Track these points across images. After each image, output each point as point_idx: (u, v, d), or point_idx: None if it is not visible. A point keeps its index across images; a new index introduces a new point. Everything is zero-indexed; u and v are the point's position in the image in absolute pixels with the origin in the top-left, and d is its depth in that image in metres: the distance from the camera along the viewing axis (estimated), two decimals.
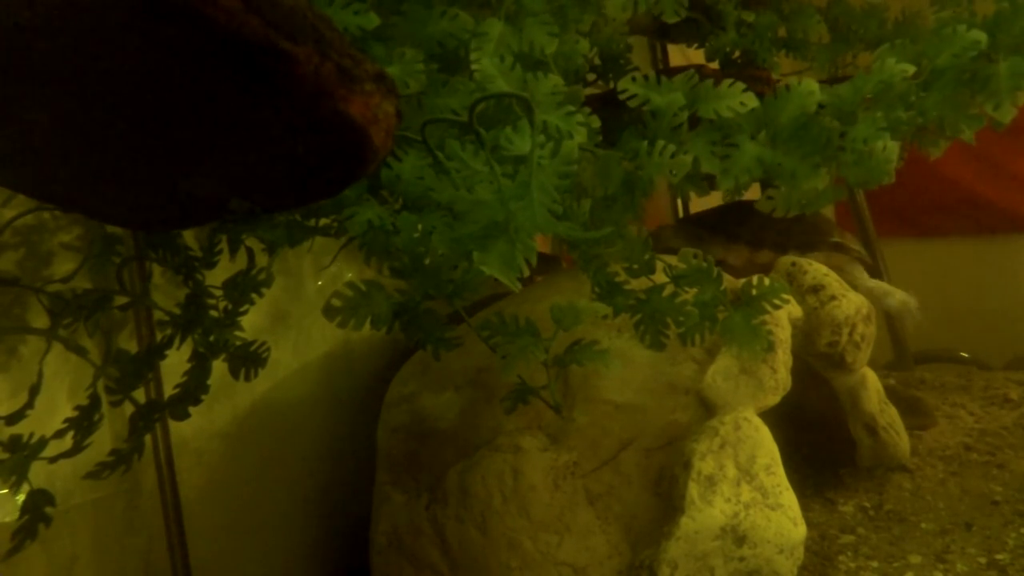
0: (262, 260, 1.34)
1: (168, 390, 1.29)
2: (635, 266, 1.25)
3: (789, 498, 1.40)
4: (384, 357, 1.90)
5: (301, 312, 1.72)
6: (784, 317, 1.60)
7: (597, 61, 1.53)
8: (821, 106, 1.12)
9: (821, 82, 1.12)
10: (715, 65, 1.73)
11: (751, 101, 1.07)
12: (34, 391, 1.12)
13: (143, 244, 1.28)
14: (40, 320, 1.19)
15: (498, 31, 0.97)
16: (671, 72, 1.16)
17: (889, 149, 1.11)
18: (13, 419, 1.11)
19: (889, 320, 2.63)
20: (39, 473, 1.10)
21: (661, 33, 1.89)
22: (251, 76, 0.63)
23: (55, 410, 1.20)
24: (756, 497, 1.37)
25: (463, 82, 0.94)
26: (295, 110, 0.65)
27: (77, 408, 1.15)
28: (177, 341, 1.27)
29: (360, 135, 0.67)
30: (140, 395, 1.26)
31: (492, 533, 1.38)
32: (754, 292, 1.24)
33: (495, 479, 1.40)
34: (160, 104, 0.69)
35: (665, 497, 1.39)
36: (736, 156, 1.09)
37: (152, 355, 1.28)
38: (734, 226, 2.05)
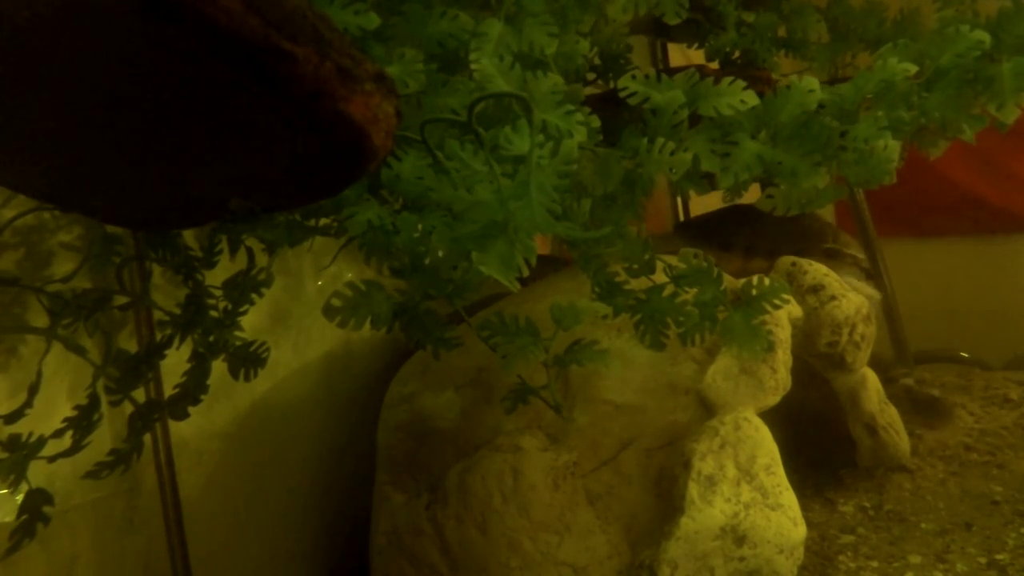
0: (262, 260, 1.34)
1: (168, 390, 1.29)
2: (635, 266, 1.25)
3: (789, 498, 1.40)
4: (384, 357, 1.90)
5: (301, 312, 1.72)
6: (784, 317, 1.60)
7: (597, 61, 1.52)
8: (822, 105, 1.12)
9: (821, 82, 1.12)
10: (715, 65, 1.73)
11: (751, 99, 1.07)
12: (33, 390, 1.12)
13: (143, 244, 1.28)
14: (40, 320, 1.19)
15: (497, 31, 0.97)
16: (671, 72, 1.16)
17: (890, 148, 1.11)
18: (12, 418, 1.10)
19: (889, 320, 2.63)
20: (39, 473, 1.10)
21: (661, 32, 1.89)
22: (251, 76, 0.62)
23: (54, 409, 1.19)
24: (756, 497, 1.37)
25: (463, 82, 0.94)
26: (295, 110, 0.65)
27: (76, 408, 1.15)
28: (177, 341, 1.27)
29: (360, 135, 0.67)
30: (140, 395, 1.26)
31: (492, 533, 1.38)
32: (754, 292, 1.24)
33: (495, 479, 1.40)
34: (160, 104, 0.69)
35: (665, 497, 1.39)
36: (736, 154, 1.09)
37: (152, 355, 1.28)
38: (728, 234, 2.05)
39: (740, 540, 1.34)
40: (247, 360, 1.28)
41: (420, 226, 0.91)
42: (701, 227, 2.24)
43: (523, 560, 1.36)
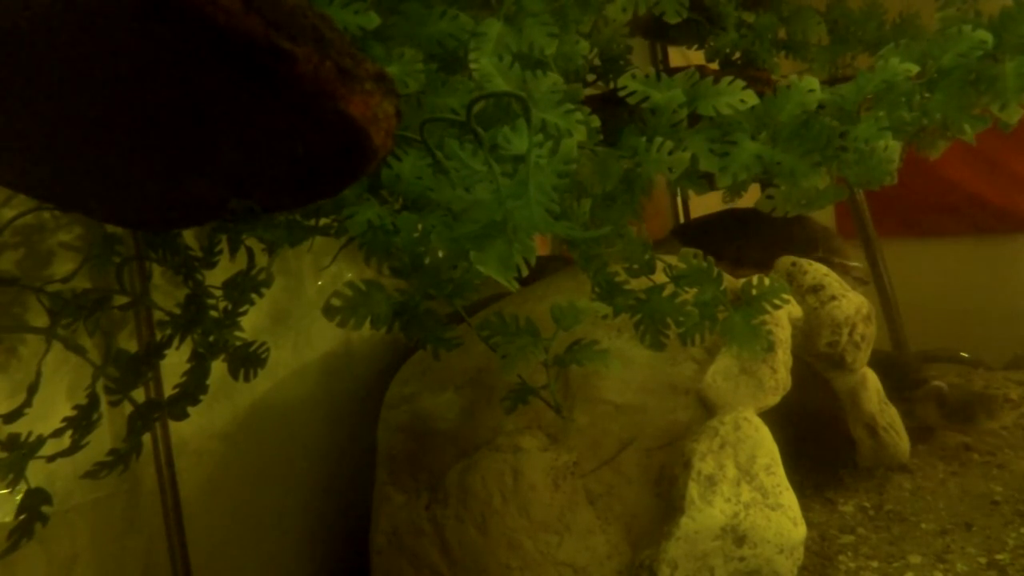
0: (262, 260, 1.34)
1: (168, 390, 1.29)
2: (635, 266, 1.25)
3: (789, 498, 1.40)
4: (384, 357, 1.90)
5: (301, 312, 1.72)
6: (784, 317, 1.60)
7: (597, 62, 1.52)
8: (822, 106, 1.12)
9: (821, 83, 1.12)
10: (715, 66, 1.73)
11: (751, 98, 1.07)
12: (32, 390, 1.12)
13: (143, 244, 1.28)
14: (40, 320, 1.19)
15: (497, 31, 0.97)
16: (671, 73, 1.16)
17: (891, 149, 1.11)
18: (11, 418, 1.10)
19: (890, 320, 2.63)
20: (39, 473, 1.10)
21: (660, 34, 1.89)
22: (251, 76, 0.63)
23: (54, 409, 1.19)
24: (756, 497, 1.37)
25: (462, 81, 0.94)
26: (295, 110, 0.65)
27: (76, 407, 1.15)
28: (177, 341, 1.27)
29: (360, 134, 0.67)
30: (140, 395, 1.26)
31: (492, 533, 1.38)
32: (754, 292, 1.24)
33: (495, 479, 1.40)
34: (160, 104, 0.69)
35: (665, 497, 1.39)
36: (735, 154, 1.08)
37: (152, 355, 1.28)
38: (719, 242, 2.05)
39: (740, 540, 1.34)
40: (247, 360, 1.27)
41: (420, 226, 0.91)
42: (693, 233, 2.24)
43: (523, 560, 1.36)
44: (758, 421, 1.46)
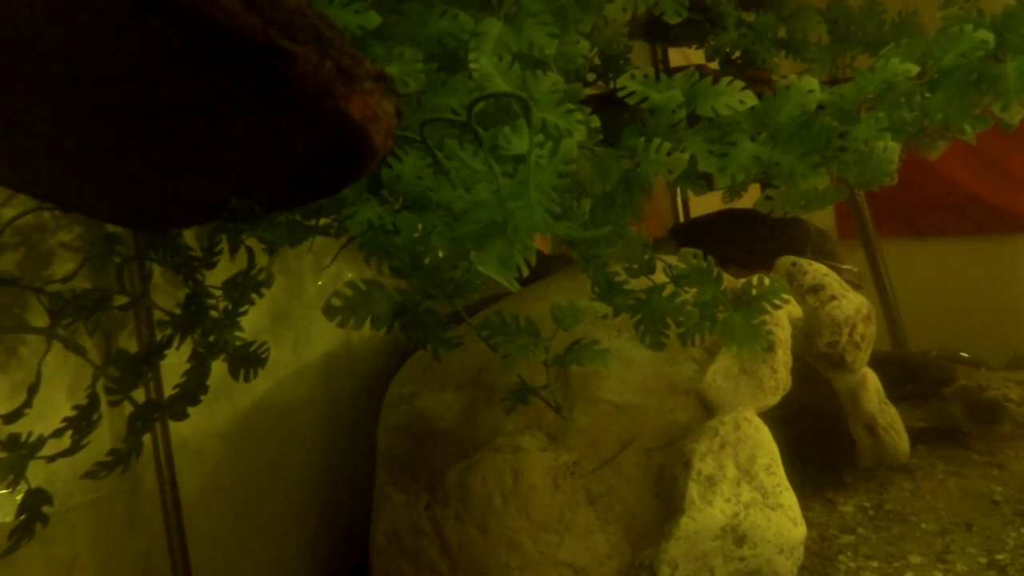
0: (262, 260, 1.34)
1: (168, 390, 1.29)
2: (635, 266, 1.25)
3: (789, 498, 1.40)
4: (384, 357, 1.90)
5: (301, 312, 1.72)
6: (784, 317, 1.60)
7: (597, 62, 1.52)
8: (822, 106, 1.12)
9: (821, 83, 1.12)
10: (715, 65, 1.73)
11: (750, 99, 1.07)
12: (33, 390, 1.12)
13: (143, 244, 1.28)
14: (40, 320, 1.19)
15: (497, 31, 0.97)
16: (671, 73, 1.16)
17: (890, 150, 1.10)
18: (12, 418, 1.10)
19: (889, 320, 2.63)
20: (39, 473, 1.10)
21: (660, 36, 1.88)
22: (251, 75, 0.62)
23: (54, 410, 1.19)
24: (756, 497, 1.37)
25: (462, 81, 0.94)
26: (295, 109, 0.65)
27: (76, 407, 1.15)
28: (177, 341, 1.27)
29: (360, 134, 0.67)
30: (140, 395, 1.26)
31: (492, 533, 1.38)
32: (754, 292, 1.24)
33: (495, 479, 1.40)
34: (160, 104, 0.69)
35: (665, 497, 1.39)
36: (733, 154, 1.08)
37: (152, 355, 1.28)
38: (711, 243, 2.05)
39: (740, 540, 1.34)
40: (247, 360, 1.27)
41: (420, 226, 0.91)
42: (687, 235, 2.24)
43: (523, 560, 1.36)
44: (758, 421, 1.46)
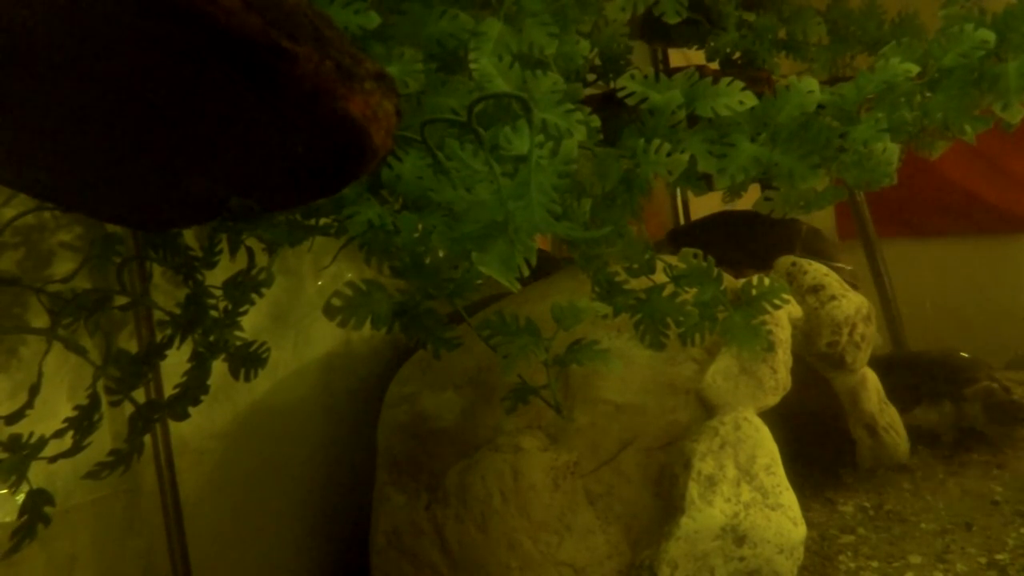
0: (262, 260, 1.34)
1: (168, 390, 1.29)
2: (635, 266, 1.25)
3: (789, 498, 1.40)
4: (384, 357, 1.90)
5: (301, 312, 1.72)
6: (784, 317, 1.60)
7: (597, 62, 1.53)
8: (821, 106, 1.12)
9: (821, 83, 1.12)
10: (715, 66, 1.73)
11: (749, 100, 1.07)
12: (34, 391, 1.12)
13: (143, 244, 1.28)
14: (40, 320, 1.19)
15: (497, 31, 0.97)
16: (671, 72, 1.16)
17: (889, 151, 1.10)
18: (13, 419, 1.10)
19: (889, 320, 2.63)
20: (39, 473, 1.10)
21: (660, 36, 1.88)
22: (251, 75, 0.62)
23: (54, 410, 1.19)
24: (756, 497, 1.37)
25: (462, 82, 0.94)
26: (295, 109, 0.65)
27: (77, 408, 1.15)
28: (177, 341, 1.27)
29: (360, 134, 0.67)
30: (140, 395, 1.26)
31: (492, 533, 1.38)
32: (754, 292, 1.24)
33: (495, 479, 1.40)
34: (160, 103, 0.69)
35: (665, 497, 1.39)
36: (733, 155, 1.08)
37: (152, 355, 1.28)
38: (708, 246, 2.04)
39: (740, 540, 1.34)
40: (247, 360, 1.27)
41: (420, 226, 0.91)
42: (685, 238, 2.23)
43: (523, 560, 1.36)
44: (758, 421, 1.46)
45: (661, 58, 2.85)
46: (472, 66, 0.92)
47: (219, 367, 1.27)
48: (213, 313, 1.29)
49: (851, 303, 1.79)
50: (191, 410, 1.25)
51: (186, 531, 1.41)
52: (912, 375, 2.15)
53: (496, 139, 0.80)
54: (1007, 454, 2.04)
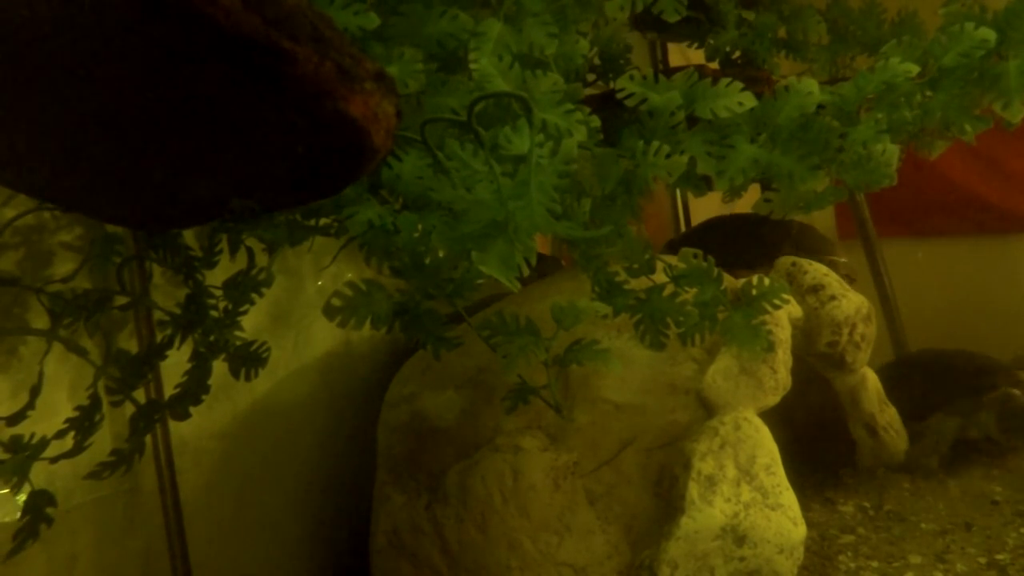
0: (262, 260, 1.34)
1: (168, 390, 1.29)
2: (635, 266, 1.25)
3: (789, 498, 1.40)
4: (384, 357, 1.90)
5: (301, 312, 1.72)
6: (784, 317, 1.60)
7: (597, 61, 1.52)
8: (821, 106, 1.12)
9: (821, 83, 1.12)
10: (715, 65, 1.73)
11: (749, 101, 1.07)
12: (35, 391, 1.12)
13: (143, 244, 1.28)
14: (40, 320, 1.19)
15: (497, 31, 0.97)
16: (671, 72, 1.16)
17: (889, 152, 1.10)
18: (14, 420, 1.10)
19: (889, 320, 2.63)
20: (40, 473, 1.10)
21: (659, 28, 1.88)
22: (251, 75, 0.63)
23: (55, 410, 1.19)
24: (756, 497, 1.37)
25: (462, 82, 0.94)
26: (295, 109, 0.65)
27: (77, 408, 1.15)
28: (177, 341, 1.27)
29: (360, 134, 0.67)
30: (140, 395, 1.26)
31: (492, 533, 1.38)
32: (754, 292, 1.24)
33: (495, 479, 1.40)
34: (160, 104, 0.69)
35: (665, 497, 1.39)
36: (732, 156, 1.08)
37: (152, 355, 1.28)
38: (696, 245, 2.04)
39: (740, 540, 1.34)
40: (247, 360, 1.27)
41: (420, 226, 0.91)
42: (679, 246, 2.23)
43: (523, 560, 1.36)
44: (758, 421, 1.46)
45: (660, 57, 2.85)
46: (472, 66, 0.92)
47: (219, 367, 1.27)
48: (213, 313, 1.29)
49: (851, 303, 1.79)
50: (191, 410, 1.25)
51: (186, 531, 1.41)
52: (928, 379, 2.13)
53: (496, 139, 0.80)
54: (1007, 454, 2.04)
